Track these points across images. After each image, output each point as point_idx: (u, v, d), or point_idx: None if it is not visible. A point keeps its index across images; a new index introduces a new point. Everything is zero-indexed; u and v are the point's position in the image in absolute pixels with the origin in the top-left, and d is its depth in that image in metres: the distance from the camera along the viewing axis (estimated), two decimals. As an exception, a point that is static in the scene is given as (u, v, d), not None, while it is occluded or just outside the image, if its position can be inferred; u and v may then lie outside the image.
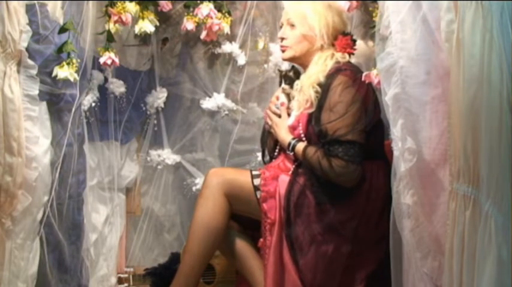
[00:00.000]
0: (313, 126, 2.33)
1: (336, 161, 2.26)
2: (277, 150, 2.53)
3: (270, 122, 2.50)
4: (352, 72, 2.32)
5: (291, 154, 2.40)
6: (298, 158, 2.38)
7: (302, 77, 2.45)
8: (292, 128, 2.42)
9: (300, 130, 2.39)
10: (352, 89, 2.29)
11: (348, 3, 2.40)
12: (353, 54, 2.44)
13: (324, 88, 2.34)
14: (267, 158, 2.59)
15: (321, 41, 2.41)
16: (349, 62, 2.41)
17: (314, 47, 2.43)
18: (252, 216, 2.45)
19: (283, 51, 2.48)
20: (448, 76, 1.72)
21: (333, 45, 2.44)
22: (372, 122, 2.31)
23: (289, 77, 2.51)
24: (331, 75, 2.34)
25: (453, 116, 1.67)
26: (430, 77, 1.83)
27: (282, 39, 2.46)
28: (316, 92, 2.35)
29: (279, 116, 2.48)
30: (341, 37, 2.43)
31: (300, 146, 2.36)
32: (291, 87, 2.49)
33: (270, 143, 2.56)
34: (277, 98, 2.51)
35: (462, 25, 1.56)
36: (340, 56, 2.40)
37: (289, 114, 2.47)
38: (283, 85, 2.53)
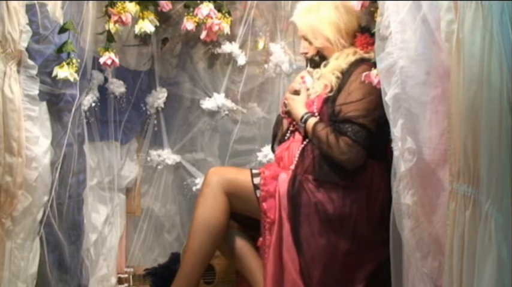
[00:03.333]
0: (328, 107, 2.37)
1: (343, 138, 2.28)
2: (288, 133, 2.54)
3: (287, 101, 2.52)
4: (375, 66, 2.34)
5: (302, 126, 2.42)
6: (308, 133, 2.40)
7: (323, 64, 2.49)
8: (308, 105, 2.45)
9: (315, 109, 2.42)
10: None
11: (359, 3, 2.40)
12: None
13: (346, 74, 2.39)
14: (277, 145, 2.60)
15: (340, 46, 2.46)
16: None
17: (337, 48, 2.47)
18: (252, 215, 2.45)
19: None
20: (448, 76, 1.72)
21: (353, 44, 2.48)
22: (383, 119, 2.31)
23: (315, 61, 2.55)
24: (354, 63, 2.40)
25: (453, 116, 1.66)
26: (430, 77, 1.83)
27: (305, 53, 2.54)
28: (337, 77, 2.41)
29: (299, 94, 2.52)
30: (360, 36, 2.46)
31: (312, 120, 2.40)
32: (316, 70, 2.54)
33: (283, 127, 2.58)
34: (302, 78, 2.55)
35: (462, 25, 1.55)
36: (364, 52, 2.44)
37: (309, 96, 2.50)
38: (308, 68, 2.57)
